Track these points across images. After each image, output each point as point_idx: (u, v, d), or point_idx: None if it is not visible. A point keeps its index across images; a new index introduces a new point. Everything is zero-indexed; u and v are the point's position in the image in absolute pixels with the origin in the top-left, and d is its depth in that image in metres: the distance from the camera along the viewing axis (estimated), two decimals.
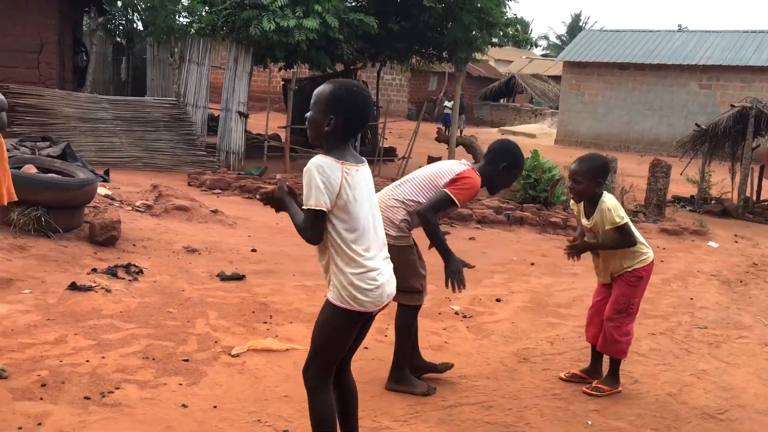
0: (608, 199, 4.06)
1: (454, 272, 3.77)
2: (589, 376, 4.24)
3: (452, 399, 3.82)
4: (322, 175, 2.57)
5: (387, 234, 3.47)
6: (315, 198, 2.56)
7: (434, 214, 3.72)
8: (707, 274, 7.64)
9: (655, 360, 4.74)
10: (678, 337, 5.27)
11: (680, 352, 4.94)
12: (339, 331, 2.71)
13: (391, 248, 3.38)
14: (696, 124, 13.42)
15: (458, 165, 3.87)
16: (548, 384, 4.15)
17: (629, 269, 4.09)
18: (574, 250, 4.19)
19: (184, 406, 3.41)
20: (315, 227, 2.62)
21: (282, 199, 2.75)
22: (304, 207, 2.60)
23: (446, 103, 29.77)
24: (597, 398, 4.00)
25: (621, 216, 4.00)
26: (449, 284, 3.80)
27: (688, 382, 4.37)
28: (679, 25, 31.50)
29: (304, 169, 2.60)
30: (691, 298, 6.47)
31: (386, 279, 2.75)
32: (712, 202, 13.15)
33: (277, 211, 2.80)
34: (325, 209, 2.57)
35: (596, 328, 4.21)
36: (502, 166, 3.89)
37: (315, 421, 2.77)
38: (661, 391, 4.20)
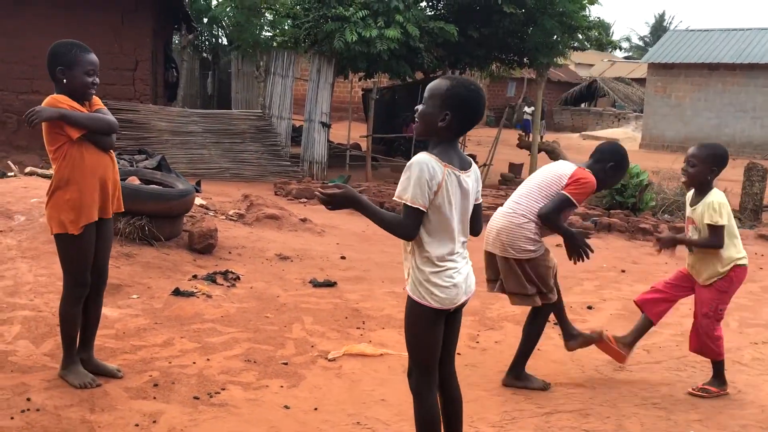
0: (717, 194, 4.02)
1: (580, 243, 3.95)
2: (619, 348, 4.23)
3: (548, 406, 3.79)
4: (426, 173, 2.60)
5: (526, 249, 3.84)
6: (413, 195, 2.60)
7: (557, 215, 3.86)
8: None
9: (759, 369, 4.57)
10: None
11: None
12: (421, 326, 2.74)
13: (534, 261, 3.86)
14: None
15: (568, 166, 3.95)
16: (647, 393, 4.06)
17: (722, 276, 4.01)
18: (661, 243, 4.18)
19: (286, 407, 3.53)
20: (413, 224, 2.64)
21: (354, 198, 2.65)
22: (401, 201, 2.63)
23: (526, 109, 29.45)
24: (699, 408, 3.89)
25: (721, 217, 3.94)
26: (575, 256, 4.01)
27: None
28: None
29: (409, 162, 2.64)
30: None
31: (463, 277, 2.76)
32: None
33: (336, 208, 2.70)
34: (423, 209, 2.62)
35: (653, 303, 4.27)
36: (609, 166, 3.97)
37: (419, 424, 2.80)
38: (766, 401, 4.05)
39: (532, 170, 15.33)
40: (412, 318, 2.77)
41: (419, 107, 2.75)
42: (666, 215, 10.49)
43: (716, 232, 3.95)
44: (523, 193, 3.98)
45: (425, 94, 2.74)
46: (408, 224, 2.64)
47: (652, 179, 10.64)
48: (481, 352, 4.54)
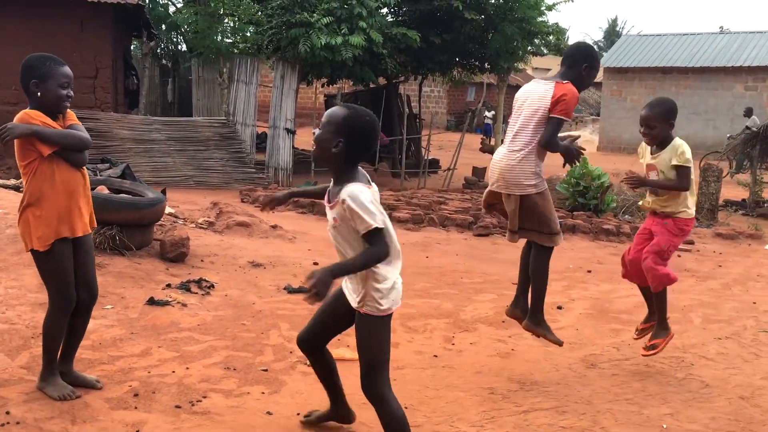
0: (680, 140, 4.33)
1: (575, 152, 4.14)
2: (654, 323, 4.54)
3: (525, 405, 3.88)
4: (368, 196, 2.75)
5: (529, 184, 3.98)
6: (380, 219, 2.74)
7: (556, 139, 4.02)
8: (767, 278, 7.56)
9: (724, 364, 4.73)
10: (745, 341, 5.25)
11: (749, 356, 4.92)
12: (386, 335, 2.96)
13: (537, 195, 3.99)
14: (746, 127, 13.25)
15: (546, 87, 4.04)
16: (619, 389, 4.18)
17: (677, 214, 4.34)
18: (632, 181, 4.40)
19: (269, 413, 3.55)
20: (386, 243, 2.79)
21: (329, 274, 2.76)
22: (373, 228, 2.72)
23: (486, 113, 29.80)
24: (670, 402, 4.02)
25: (689, 159, 4.26)
26: (571, 162, 4.23)
27: (760, 386, 4.36)
28: (721, 27, 31.00)
29: (347, 199, 2.73)
30: (754, 302, 6.42)
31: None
32: (766, 205, 12.94)
33: (325, 293, 2.78)
34: (384, 227, 2.76)
35: (638, 272, 4.49)
36: (584, 67, 4.13)
37: (395, 423, 2.94)
38: (732, 394, 4.20)
39: None
40: (377, 334, 2.92)
41: (316, 131, 2.88)
42: (627, 216, 10.75)
43: (685, 173, 4.25)
44: (517, 129, 4.09)
45: (323, 120, 2.88)
46: (384, 246, 2.78)
47: (613, 181, 10.88)
48: (457, 353, 4.62)
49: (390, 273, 2.86)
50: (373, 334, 2.91)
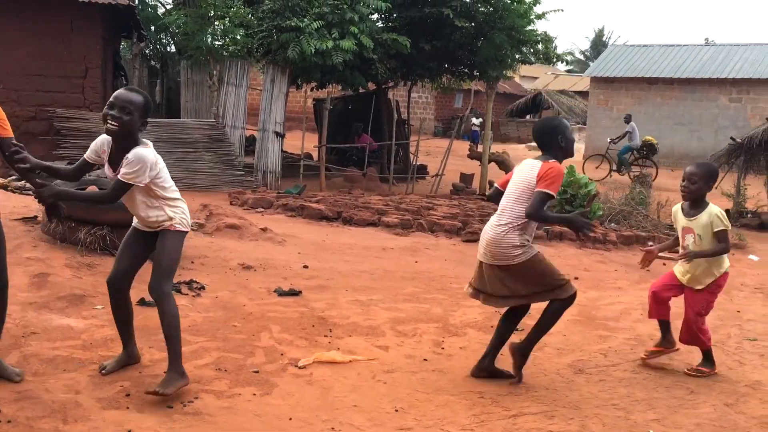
0: (715, 206, 4.61)
1: (582, 224, 4.08)
2: (666, 348, 4.83)
3: (515, 409, 3.92)
4: (151, 160, 3.65)
5: (515, 256, 4.02)
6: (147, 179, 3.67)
7: (542, 212, 4.03)
8: (751, 287, 7.67)
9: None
10: (729, 348, 5.33)
11: (733, 363, 5.00)
12: (181, 249, 3.93)
13: (524, 264, 4.04)
14: (731, 138, 13.41)
15: (532, 165, 4.11)
16: (606, 395, 4.24)
17: (716, 279, 4.62)
18: (687, 257, 4.61)
19: (261, 415, 3.57)
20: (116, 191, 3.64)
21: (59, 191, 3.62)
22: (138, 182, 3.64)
23: (474, 120, 29.92)
24: (656, 408, 4.08)
25: (728, 223, 4.54)
26: (582, 235, 4.27)
27: (744, 393, 4.43)
28: (706, 39, 31.40)
29: (135, 157, 3.59)
30: (738, 311, 6.51)
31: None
32: (749, 215, 13.10)
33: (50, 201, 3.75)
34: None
35: (663, 308, 4.79)
36: (559, 139, 4.17)
37: (173, 317, 3.70)
38: (717, 401, 4.27)
39: (483, 180, 15.63)
40: (177, 243, 3.88)
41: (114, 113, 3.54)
42: (613, 224, 10.85)
43: (726, 239, 4.55)
44: (505, 204, 4.15)
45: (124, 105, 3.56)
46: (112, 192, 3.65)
47: (599, 189, 10.98)
48: (447, 357, 4.65)
49: (182, 204, 3.87)
50: (176, 245, 3.80)
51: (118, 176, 3.59)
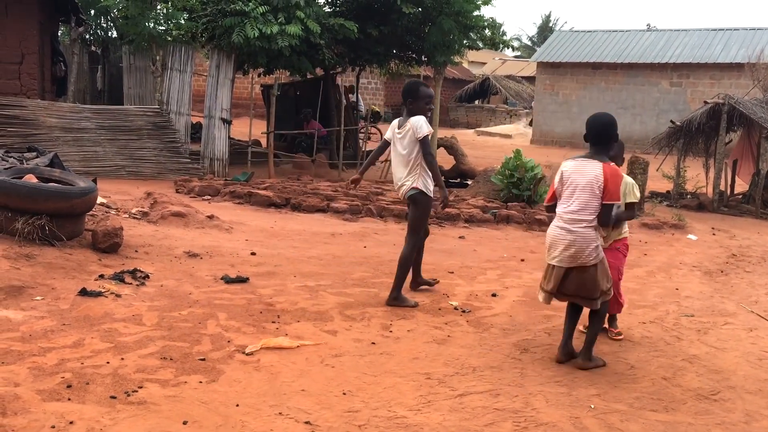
0: (629, 178, 4.89)
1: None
2: None
3: (461, 388, 3.98)
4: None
5: (596, 255, 4.29)
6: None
7: (613, 218, 4.41)
8: (689, 265, 7.92)
9: (648, 347, 4.95)
10: (667, 325, 5.50)
11: (671, 338, 5.16)
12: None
13: (596, 266, 4.30)
14: (671, 121, 13.77)
15: (597, 168, 4.25)
16: (550, 372, 4.33)
17: (622, 237, 5.03)
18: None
19: (207, 402, 3.54)
20: None
21: None
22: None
23: None
24: (597, 384, 4.19)
25: (638, 195, 4.89)
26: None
27: (681, 367, 4.59)
28: (648, 25, 32.09)
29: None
30: (676, 289, 6.72)
31: None
32: (688, 196, 13.51)
33: None
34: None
35: None
36: (615, 144, 4.49)
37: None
38: (656, 375, 4.41)
39: None
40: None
41: None
42: None
43: (634, 208, 5.01)
44: (575, 209, 4.28)
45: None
46: None
47: (545, 172, 11.16)
48: (395, 340, 4.69)
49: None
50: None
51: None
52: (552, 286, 4.42)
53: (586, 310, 4.60)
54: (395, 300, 5.40)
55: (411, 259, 5.52)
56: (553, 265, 4.40)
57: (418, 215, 5.49)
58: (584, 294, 4.37)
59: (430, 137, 5.36)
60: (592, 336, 4.51)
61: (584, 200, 4.27)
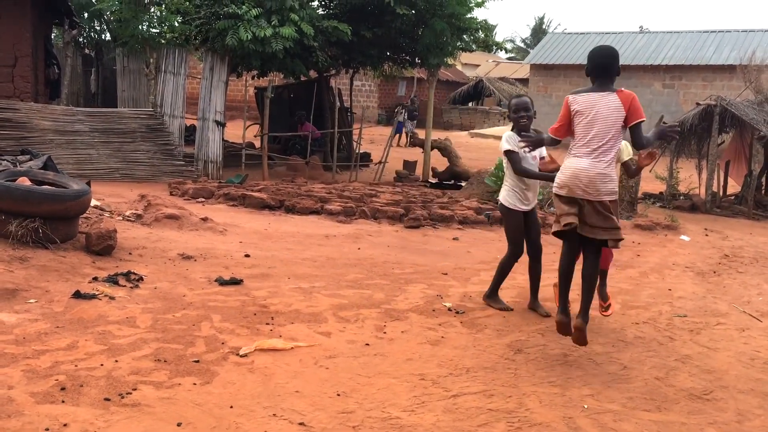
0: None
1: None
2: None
3: (455, 389, 3.99)
4: None
5: (615, 191, 4.37)
6: None
7: (646, 138, 4.37)
8: (682, 266, 7.95)
9: (641, 347, 4.97)
10: (660, 325, 5.52)
11: (663, 339, 5.19)
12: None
13: (615, 201, 4.40)
14: (663, 122, 13.83)
15: (614, 98, 4.30)
16: (543, 372, 4.35)
17: None
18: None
19: (201, 404, 3.54)
20: None
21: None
22: None
23: (399, 109, 30.06)
24: (591, 384, 4.21)
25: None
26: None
27: (674, 367, 4.61)
28: (641, 27, 32.20)
29: None
30: (669, 289, 6.75)
31: None
32: (681, 197, 13.57)
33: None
34: None
35: None
36: (618, 72, 4.45)
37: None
38: (648, 375, 4.43)
39: (425, 167, 15.71)
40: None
41: None
42: (552, 208, 11.07)
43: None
44: (600, 146, 4.28)
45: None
46: None
47: None
48: (389, 342, 4.70)
49: None
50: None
51: None
52: (572, 218, 4.40)
53: (577, 277, 4.66)
54: (487, 298, 5.73)
55: (506, 265, 5.68)
56: (573, 198, 4.40)
57: (505, 227, 5.75)
58: (610, 225, 4.36)
59: (512, 153, 5.38)
60: (590, 298, 4.57)
61: (605, 132, 4.28)
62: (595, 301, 5.15)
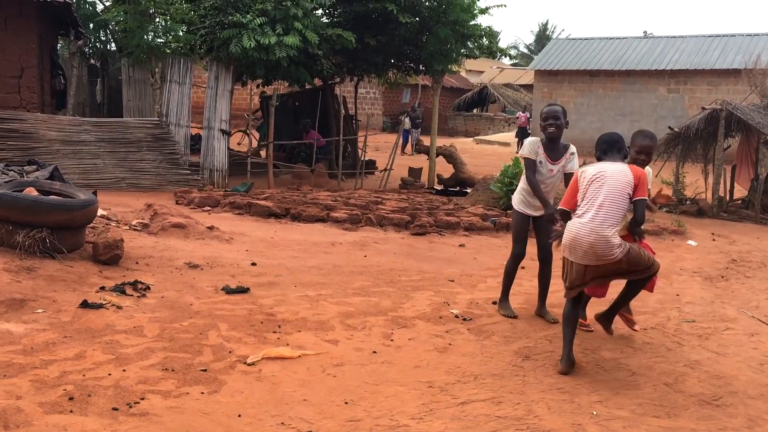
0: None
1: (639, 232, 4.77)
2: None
3: (463, 396, 3.98)
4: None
5: (616, 251, 4.37)
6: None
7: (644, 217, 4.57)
8: (689, 271, 7.92)
9: (650, 353, 4.95)
10: (668, 331, 5.50)
11: (672, 344, 5.16)
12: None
13: (622, 259, 4.42)
14: (669, 128, 13.80)
15: (626, 172, 4.43)
16: (552, 379, 4.33)
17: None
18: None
19: (209, 413, 3.54)
20: None
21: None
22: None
23: (405, 120, 30.16)
24: (599, 390, 4.19)
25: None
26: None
27: (683, 372, 4.59)
28: (645, 32, 32.22)
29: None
30: (677, 295, 6.72)
31: None
32: (688, 202, 13.52)
33: None
34: None
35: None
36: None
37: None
38: (658, 381, 4.41)
39: (431, 174, 15.74)
40: None
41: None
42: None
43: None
44: (604, 212, 4.35)
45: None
46: None
47: None
48: (396, 349, 4.69)
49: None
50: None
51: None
52: (578, 279, 4.50)
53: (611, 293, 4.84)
54: (498, 303, 5.82)
55: (509, 268, 5.77)
56: (578, 263, 4.47)
57: (511, 224, 5.98)
58: (642, 266, 4.52)
59: (528, 159, 5.49)
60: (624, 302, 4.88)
61: (613, 201, 4.37)
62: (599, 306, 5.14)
